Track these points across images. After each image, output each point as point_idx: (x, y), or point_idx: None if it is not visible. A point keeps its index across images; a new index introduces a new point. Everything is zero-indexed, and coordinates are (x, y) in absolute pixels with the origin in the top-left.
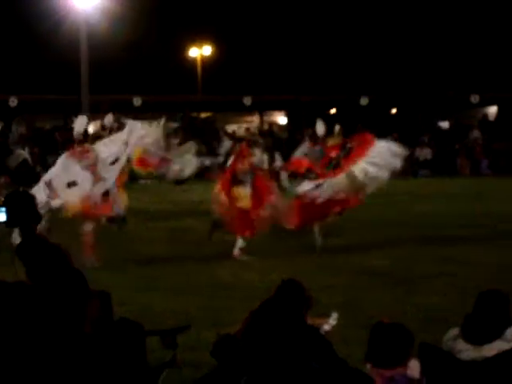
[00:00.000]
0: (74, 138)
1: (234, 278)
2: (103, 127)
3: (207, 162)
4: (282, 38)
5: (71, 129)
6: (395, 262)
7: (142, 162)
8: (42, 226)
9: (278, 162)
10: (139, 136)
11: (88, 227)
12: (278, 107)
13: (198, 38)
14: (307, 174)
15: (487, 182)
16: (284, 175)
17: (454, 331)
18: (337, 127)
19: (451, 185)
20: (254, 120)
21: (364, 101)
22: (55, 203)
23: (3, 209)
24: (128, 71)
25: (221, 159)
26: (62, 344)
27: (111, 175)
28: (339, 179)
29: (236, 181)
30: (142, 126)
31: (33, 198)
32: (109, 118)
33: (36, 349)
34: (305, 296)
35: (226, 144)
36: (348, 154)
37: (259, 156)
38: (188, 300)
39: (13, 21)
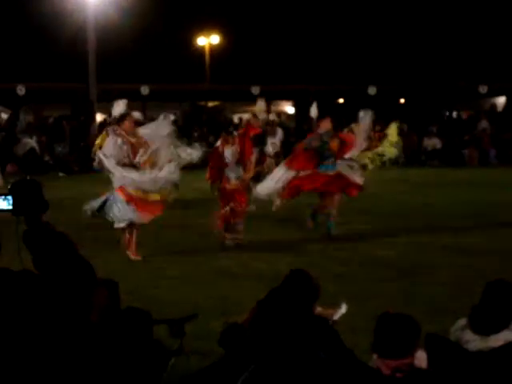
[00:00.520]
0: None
1: (242, 267)
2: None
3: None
4: (290, 27)
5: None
6: (402, 252)
7: None
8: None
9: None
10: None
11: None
12: (286, 97)
13: (206, 27)
14: None
15: (495, 172)
16: None
17: (462, 321)
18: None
19: (459, 175)
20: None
21: (372, 90)
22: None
23: (9, 197)
24: (136, 60)
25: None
26: (68, 333)
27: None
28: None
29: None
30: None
31: (40, 186)
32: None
33: (42, 338)
34: (313, 286)
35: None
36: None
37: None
38: (196, 289)
39: (21, 10)
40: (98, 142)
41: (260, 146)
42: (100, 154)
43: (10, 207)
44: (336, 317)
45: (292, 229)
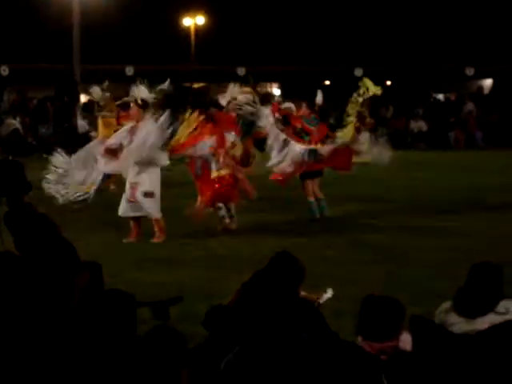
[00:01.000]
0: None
1: (227, 250)
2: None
3: None
4: (276, 8)
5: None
6: (388, 234)
7: None
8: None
9: None
10: None
11: None
12: (272, 78)
13: (191, 8)
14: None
15: (481, 154)
16: None
17: (447, 304)
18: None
19: (445, 157)
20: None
21: (358, 72)
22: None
23: None
24: (121, 41)
25: None
26: (49, 314)
27: None
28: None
29: None
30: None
31: (22, 167)
32: (96, 91)
33: (23, 319)
34: (298, 268)
35: None
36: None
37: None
38: (181, 272)
39: None
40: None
41: None
42: None
43: None
44: (322, 300)
45: (278, 211)
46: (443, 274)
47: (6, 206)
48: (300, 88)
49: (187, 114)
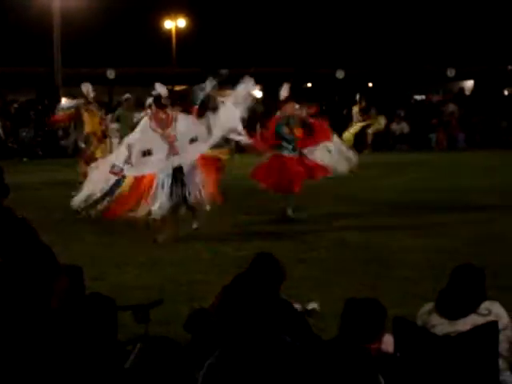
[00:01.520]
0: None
1: (209, 252)
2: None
3: None
4: (257, 10)
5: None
6: (370, 235)
7: None
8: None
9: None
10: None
11: None
12: (254, 80)
13: (172, 11)
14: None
15: (463, 156)
16: None
17: (429, 306)
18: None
19: (426, 159)
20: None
21: (340, 74)
22: (128, 172)
23: None
24: (102, 44)
25: None
26: (27, 319)
27: (189, 152)
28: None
29: None
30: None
31: (1, 170)
32: (87, 87)
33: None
34: (278, 268)
35: None
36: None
37: None
38: (162, 275)
39: None
40: None
41: None
42: None
43: None
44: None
45: (259, 214)
46: (428, 276)
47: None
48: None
49: None
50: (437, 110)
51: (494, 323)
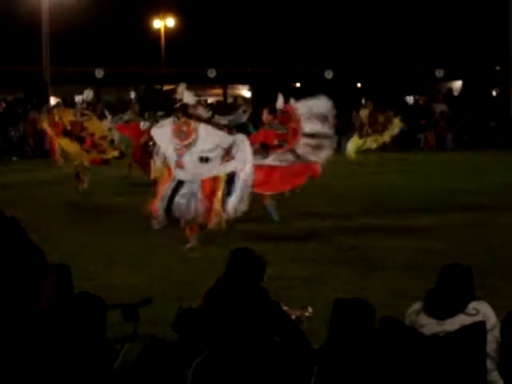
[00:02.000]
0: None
1: (197, 252)
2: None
3: None
4: (246, 10)
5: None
6: (358, 236)
7: None
8: None
9: None
10: None
11: None
12: (242, 80)
13: (161, 10)
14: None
15: (451, 156)
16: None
17: (417, 305)
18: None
19: (415, 159)
20: (218, 93)
21: (329, 74)
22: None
23: None
24: (90, 43)
25: None
26: (16, 320)
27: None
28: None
29: None
30: None
31: None
32: (88, 94)
33: None
34: (257, 258)
35: None
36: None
37: None
38: (150, 274)
39: None
40: None
41: None
42: None
43: None
44: (303, 318)
45: (247, 214)
46: (416, 276)
47: None
48: (270, 90)
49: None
50: (426, 111)
51: (482, 323)
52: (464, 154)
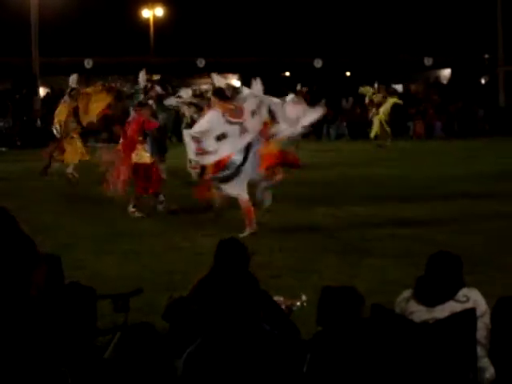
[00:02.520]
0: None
1: (188, 241)
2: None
3: None
4: (235, 0)
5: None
6: (348, 223)
7: None
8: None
9: None
10: None
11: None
12: (232, 70)
13: (150, 0)
14: None
15: (440, 144)
16: None
17: (407, 293)
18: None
19: (405, 147)
20: (207, 82)
21: (318, 63)
22: (207, 160)
23: None
24: (79, 33)
25: None
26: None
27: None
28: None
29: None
30: None
31: None
32: (73, 78)
33: None
34: (244, 249)
35: None
36: None
37: None
38: (141, 264)
39: None
40: None
41: None
42: None
43: None
44: (294, 307)
45: (235, 204)
46: (405, 263)
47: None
48: (260, 79)
49: None
50: (415, 99)
51: (472, 310)
52: (453, 142)
